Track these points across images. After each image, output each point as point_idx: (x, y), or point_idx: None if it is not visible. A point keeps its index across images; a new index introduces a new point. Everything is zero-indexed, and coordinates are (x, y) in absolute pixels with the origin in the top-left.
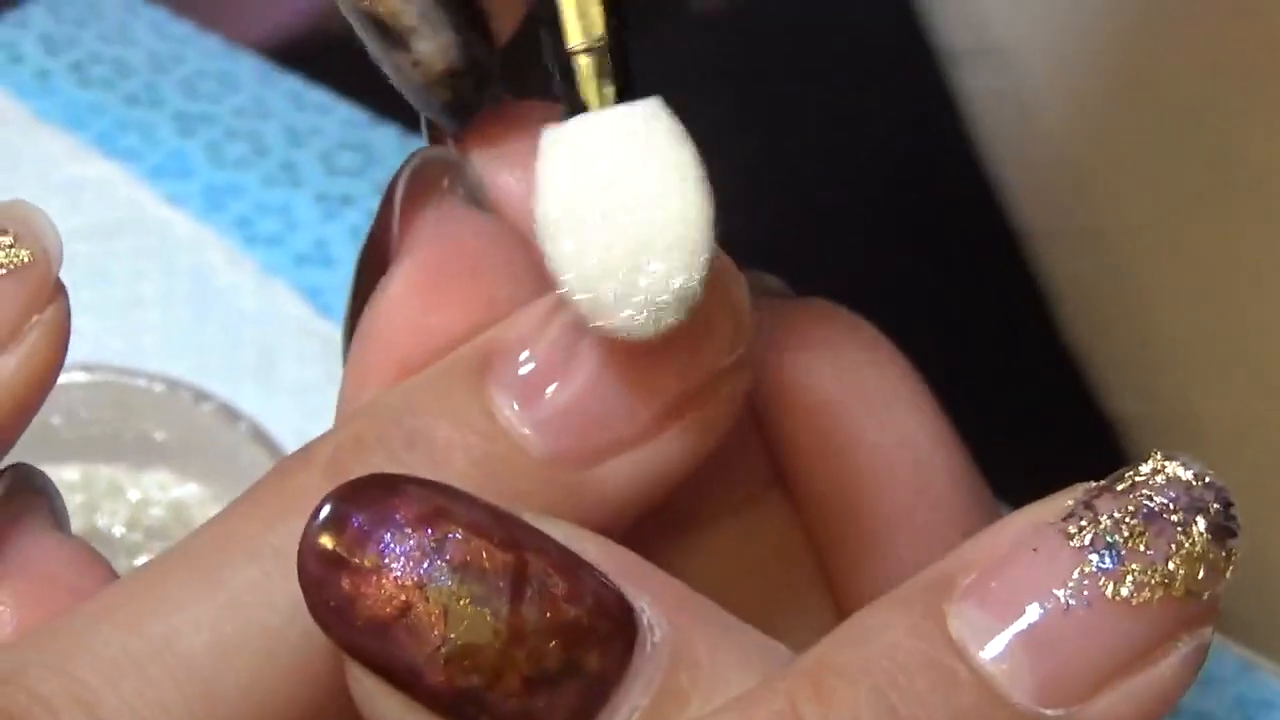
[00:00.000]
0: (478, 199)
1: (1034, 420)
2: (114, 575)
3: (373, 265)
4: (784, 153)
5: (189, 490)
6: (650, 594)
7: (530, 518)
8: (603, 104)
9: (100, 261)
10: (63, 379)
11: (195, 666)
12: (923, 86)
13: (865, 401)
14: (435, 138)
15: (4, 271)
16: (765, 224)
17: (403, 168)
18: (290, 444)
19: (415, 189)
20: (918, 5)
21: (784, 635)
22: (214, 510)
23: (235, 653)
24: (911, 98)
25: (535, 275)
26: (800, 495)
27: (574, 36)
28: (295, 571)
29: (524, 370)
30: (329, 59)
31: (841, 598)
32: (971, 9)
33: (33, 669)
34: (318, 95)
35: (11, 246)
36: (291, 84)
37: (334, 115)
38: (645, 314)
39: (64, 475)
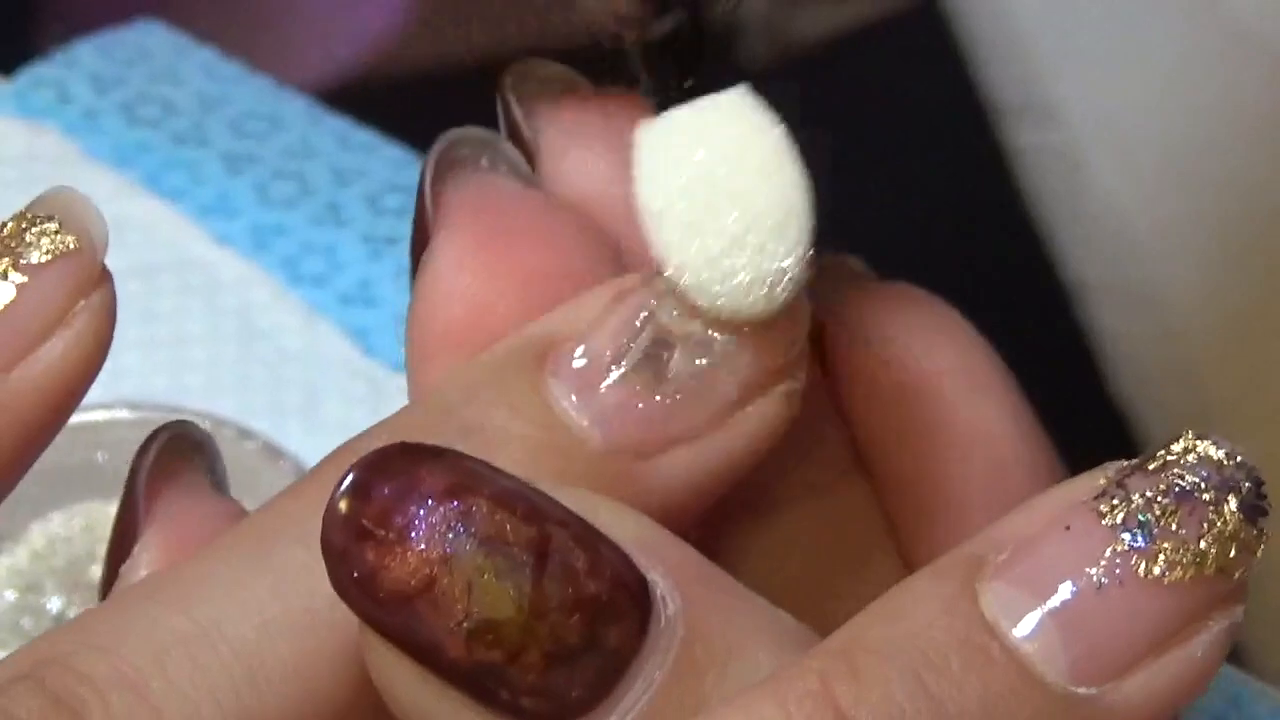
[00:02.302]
0: (520, 174)
1: (1077, 471)
2: None
3: (417, 251)
4: (832, 206)
5: None
6: (664, 565)
7: (548, 486)
8: (687, 95)
9: (146, 299)
10: (107, 415)
11: (241, 649)
12: (974, 141)
13: (948, 384)
14: (513, 132)
15: (50, 257)
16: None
17: (431, 150)
18: None
19: (444, 166)
20: (969, 61)
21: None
22: None
23: (281, 635)
24: (962, 152)
25: (582, 245)
26: (879, 476)
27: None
28: None
29: (581, 362)
30: (376, 101)
31: None
32: (1023, 65)
33: (81, 651)
34: (364, 136)
35: (58, 233)
36: (339, 125)
37: (380, 156)
38: (758, 293)
39: (109, 510)
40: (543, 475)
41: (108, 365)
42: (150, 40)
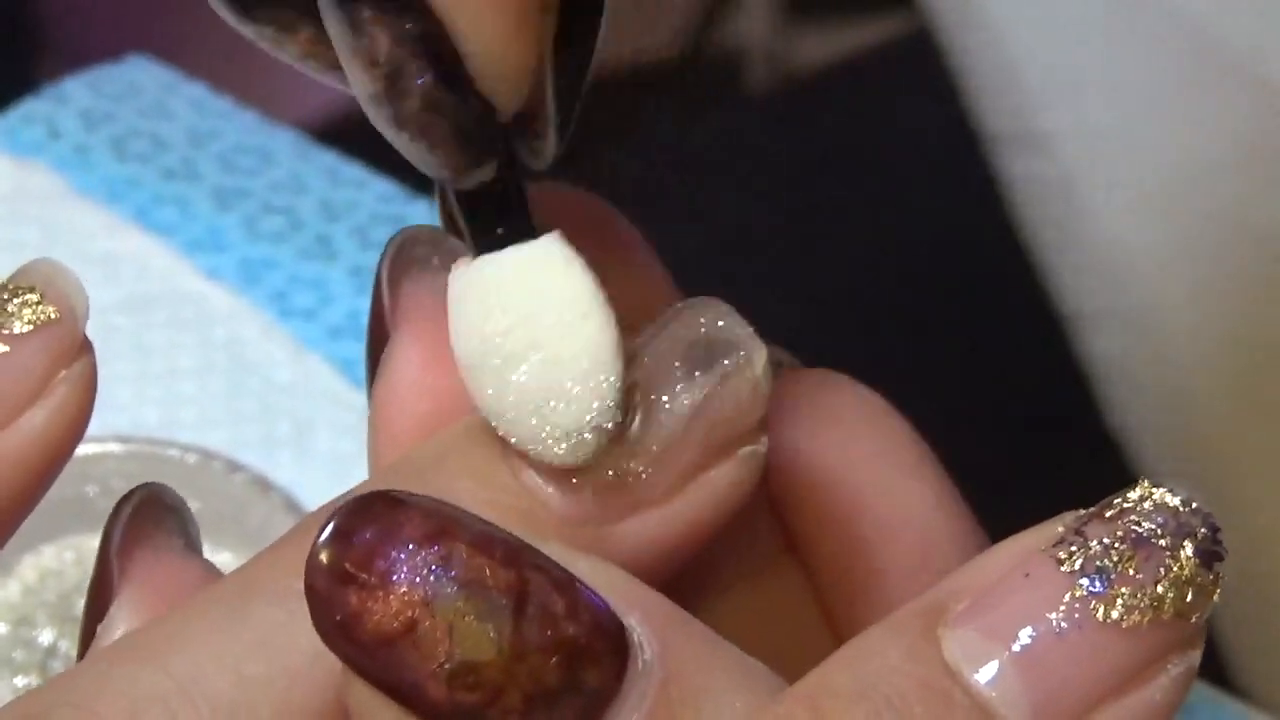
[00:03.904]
0: None
1: (1077, 503)
2: None
3: (375, 346)
4: (829, 235)
5: (222, 560)
6: (640, 612)
7: (524, 536)
8: (503, 241)
9: (137, 334)
10: (97, 449)
11: (220, 706)
12: (968, 170)
13: (869, 470)
14: (447, 217)
15: (31, 328)
16: (808, 304)
17: (386, 249)
18: None
19: (399, 266)
20: (963, 91)
21: None
22: None
23: (260, 693)
24: (957, 181)
25: None
26: (810, 561)
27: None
28: None
29: None
30: (364, 136)
31: None
32: (1016, 95)
33: (60, 709)
34: (353, 171)
35: (39, 304)
36: (327, 159)
37: (369, 190)
38: (564, 446)
39: (98, 545)
40: None
41: (99, 399)
42: (140, 76)
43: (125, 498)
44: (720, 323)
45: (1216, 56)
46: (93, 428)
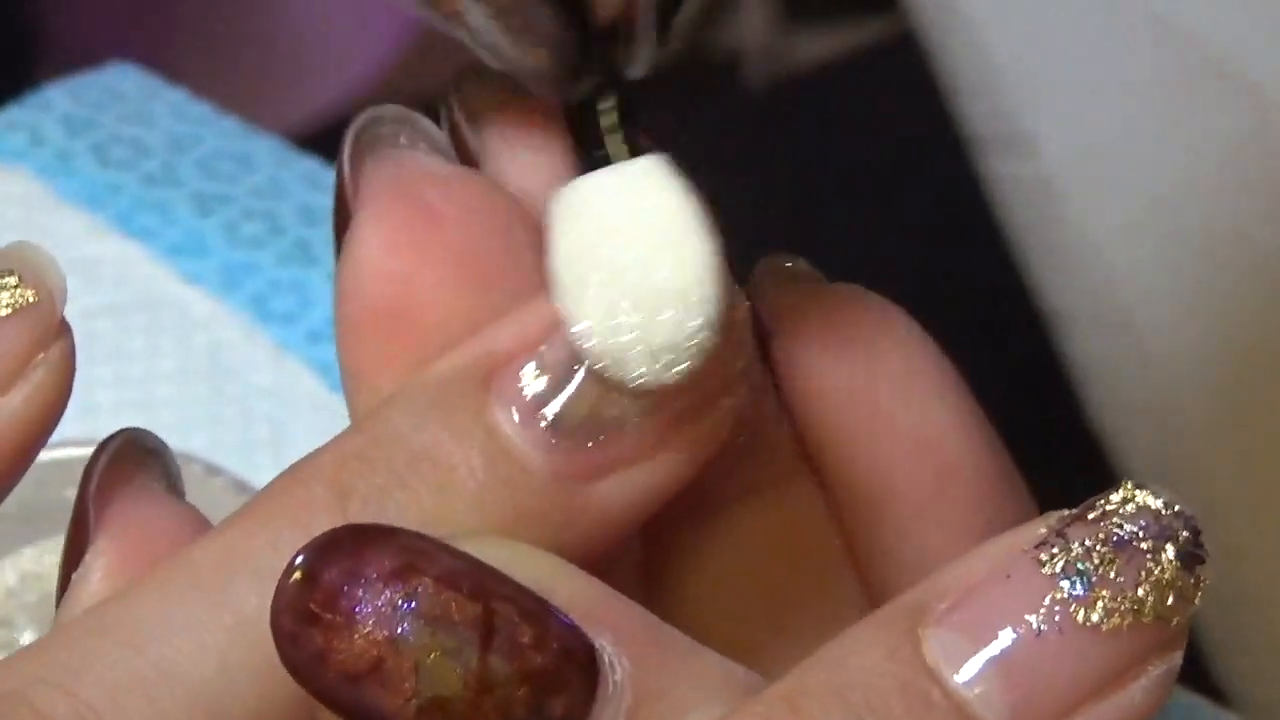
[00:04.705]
0: (439, 150)
1: (1056, 503)
2: None
3: (340, 227)
4: (814, 234)
5: None
6: (613, 631)
7: (501, 545)
8: (610, 160)
9: (117, 337)
10: (78, 453)
11: (202, 693)
12: (953, 172)
13: (892, 387)
14: (456, 136)
15: (9, 311)
16: None
17: (350, 127)
18: None
19: (362, 144)
20: (948, 93)
21: (809, 615)
22: None
23: (243, 679)
24: (942, 183)
25: (504, 217)
26: (826, 477)
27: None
28: None
29: (524, 385)
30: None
31: (868, 580)
32: (1000, 97)
33: (39, 687)
34: (332, 176)
35: (17, 287)
36: (307, 165)
37: None
38: (659, 365)
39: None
40: (492, 503)
41: (80, 402)
42: (121, 82)
43: (105, 442)
44: None
45: (1199, 59)
46: (72, 431)
